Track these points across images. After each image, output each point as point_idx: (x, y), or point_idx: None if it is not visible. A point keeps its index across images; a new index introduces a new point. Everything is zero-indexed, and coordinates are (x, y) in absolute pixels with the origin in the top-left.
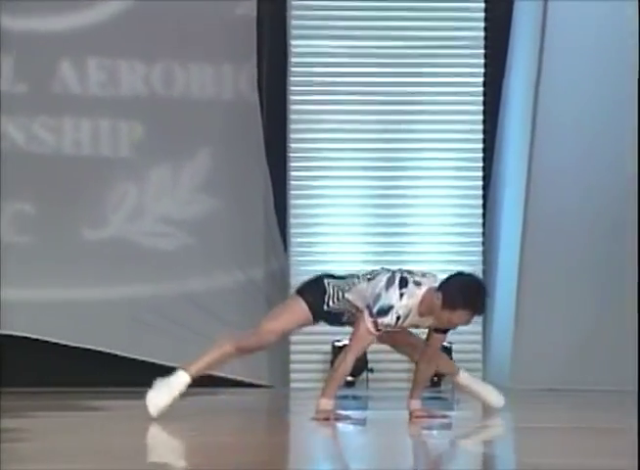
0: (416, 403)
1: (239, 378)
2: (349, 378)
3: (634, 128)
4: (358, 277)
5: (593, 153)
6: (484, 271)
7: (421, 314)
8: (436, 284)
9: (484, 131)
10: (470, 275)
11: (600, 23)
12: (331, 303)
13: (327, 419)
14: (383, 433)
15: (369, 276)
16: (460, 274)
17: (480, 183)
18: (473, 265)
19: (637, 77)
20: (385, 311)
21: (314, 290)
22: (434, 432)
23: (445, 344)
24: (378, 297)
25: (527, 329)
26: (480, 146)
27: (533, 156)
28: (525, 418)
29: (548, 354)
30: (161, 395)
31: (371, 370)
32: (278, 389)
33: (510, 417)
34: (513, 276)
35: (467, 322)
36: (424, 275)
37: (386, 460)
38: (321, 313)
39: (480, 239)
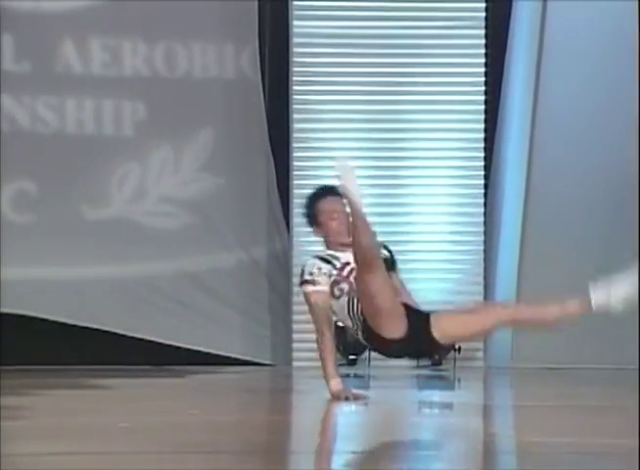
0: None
1: (240, 357)
2: (352, 357)
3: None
4: None
5: (593, 137)
6: (485, 250)
7: (335, 249)
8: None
9: (486, 113)
10: None
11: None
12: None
13: (347, 398)
14: (383, 412)
15: None
16: None
17: (482, 163)
18: (474, 245)
19: (637, 76)
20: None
21: None
22: (436, 411)
23: None
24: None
25: None
26: (482, 126)
27: (534, 143)
28: (525, 397)
29: (550, 333)
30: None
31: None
32: (280, 367)
33: (511, 396)
34: (514, 254)
35: (332, 208)
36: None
37: (383, 440)
38: None
39: (482, 219)
